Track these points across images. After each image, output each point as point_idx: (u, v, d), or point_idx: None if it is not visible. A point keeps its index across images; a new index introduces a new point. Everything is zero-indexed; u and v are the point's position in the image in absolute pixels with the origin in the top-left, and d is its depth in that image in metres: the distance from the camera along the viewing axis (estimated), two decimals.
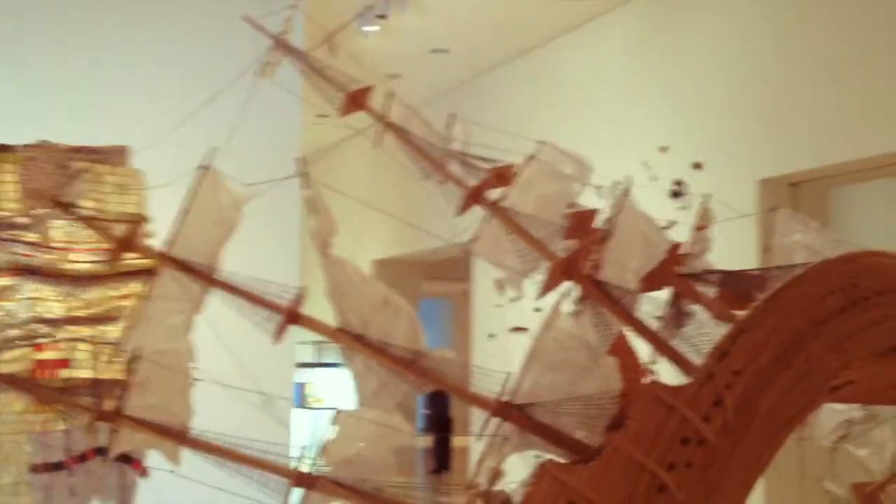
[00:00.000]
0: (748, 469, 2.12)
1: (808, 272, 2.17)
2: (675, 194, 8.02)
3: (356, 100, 2.58)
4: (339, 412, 2.04)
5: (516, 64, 9.88)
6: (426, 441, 13.80)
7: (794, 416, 2.17)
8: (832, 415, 2.75)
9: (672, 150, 8.10)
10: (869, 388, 2.33)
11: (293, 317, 2.16)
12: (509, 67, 9.94)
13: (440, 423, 12.90)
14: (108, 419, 2.03)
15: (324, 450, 2.00)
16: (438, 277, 13.20)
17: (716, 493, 2.05)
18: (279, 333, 2.14)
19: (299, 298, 2.16)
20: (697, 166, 7.85)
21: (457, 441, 12.74)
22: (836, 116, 6.74)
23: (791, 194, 7.38)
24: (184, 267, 2.16)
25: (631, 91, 8.63)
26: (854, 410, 2.75)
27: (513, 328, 8.67)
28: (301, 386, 10.72)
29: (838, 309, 2.17)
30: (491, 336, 9.61)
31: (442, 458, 13.09)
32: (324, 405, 10.57)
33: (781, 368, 2.10)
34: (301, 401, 10.78)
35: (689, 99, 8.05)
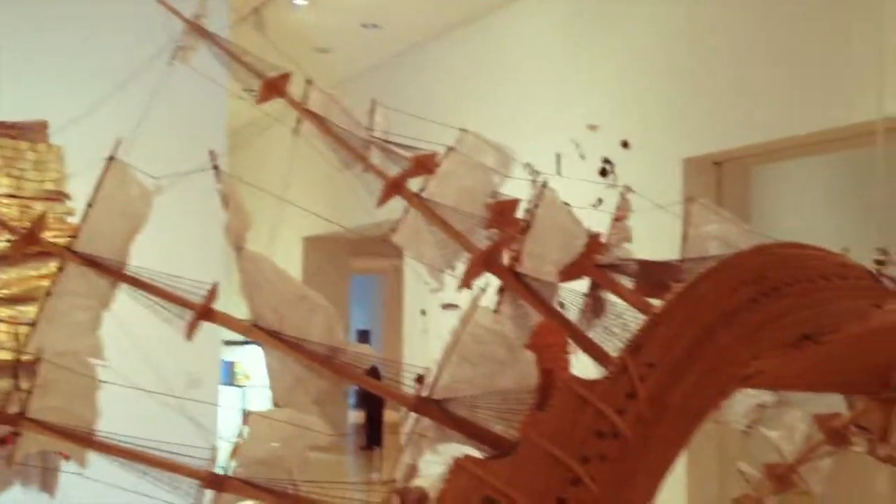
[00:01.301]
0: (661, 459, 2.15)
1: (720, 265, 2.21)
2: (604, 172, 8.12)
3: (274, 86, 2.52)
4: (249, 413, 2.00)
5: (447, 40, 9.82)
6: (357, 417, 13.80)
7: (706, 405, 2.21)
8: (745, 399, 2.82)
9: (601, 129, 8.18)
10: (778, 376, 2.39)
11: (205, 313, 2.11)
12: (440, 43, 9.88)
13: (372, 398, 12.89)
14: (9, 422, 1.96)
15: (235, 451, 1.97)
16: (369, 253, 13.14)
17: (629, 483, 2.08)
18: (191, 331, 2.09)
19: (212, 294, 2.11)
20: (625, 145, 7.94)
21: (388, 416, 12.77)
22: (758, 97, 6.88)
23: (715, 173, 7.53)
24: (90, 262, 2.09)
25: (561, 68, 8.66)
26: (766, 395, 2.83)
27: (444, 304, 8.71)
28: (230, 364, 10.61)
29: (749, 300, 2.21)
30: (422, 312, 9.64)
31: (373, 433, 13.11)
32: (252, 383, 10.50)
33: (693, 360, 2.13)
34: (230, 378, 10.67)
35: (618, 77, 8.12)
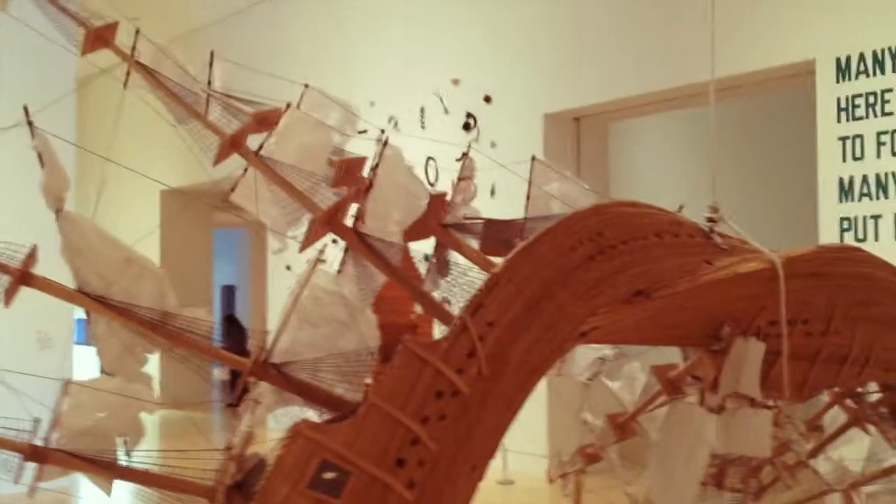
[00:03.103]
0: (500, 415, 2.18)
1: (558, 224, 2.24)
2: (467, 127, 8.15)
3: (100, 37, 2.36)
4: (69, 383, 1.91)
5: None
6: (223, 373, 13.54)
7: (544, 362, 2.26)
8: (587, 353, 2.91)
9: (464, 83, 8.19)
10: (614, 331, 2.47)
11: (24, 278, 1.98)
12: None
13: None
14: None
15: (57, 421, 1.88)
16: (232, 207, 12.80)
17: (468, 441, 2.10)
18: (9, 297, 1.97)
19: (30, 258, 1.99)
20: (487, 100, 7.99)
21: None
22: (613, 55, 7.04)
23: (574, 128, 7.70)
24: None
25: (424, 22, 8.59)
26: (606, 349, 2.92)
27: (309, 260, 8.59)
28: (84, 322, 10.17)
29: (586, 258, 2.25)
30: (287, 268, 9.48)
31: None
32: None
33: (532, 318, 2.16)
34: (85, 338, 10.24)
35: (481, 32, 8.12)
